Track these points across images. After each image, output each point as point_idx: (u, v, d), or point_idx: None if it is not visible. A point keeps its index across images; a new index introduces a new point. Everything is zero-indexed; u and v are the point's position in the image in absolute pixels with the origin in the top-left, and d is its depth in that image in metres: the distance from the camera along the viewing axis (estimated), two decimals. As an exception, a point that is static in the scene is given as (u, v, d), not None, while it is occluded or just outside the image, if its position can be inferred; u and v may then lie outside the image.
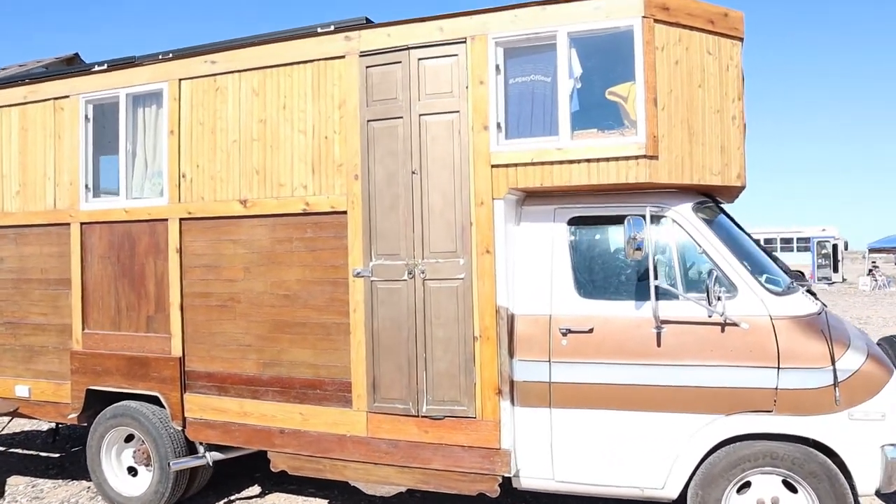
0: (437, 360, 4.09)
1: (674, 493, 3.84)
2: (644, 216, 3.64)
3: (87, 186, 4.95)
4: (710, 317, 3.72)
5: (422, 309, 4.11)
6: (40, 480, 5.52)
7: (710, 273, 3.66)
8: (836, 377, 3.55)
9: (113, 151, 4.95)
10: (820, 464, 3.59)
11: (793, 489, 3.68)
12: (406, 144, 4.14)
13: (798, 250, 30.23)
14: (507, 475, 4.00)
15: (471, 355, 4.02)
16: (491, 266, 3.98)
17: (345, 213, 4.27)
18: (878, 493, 3.64)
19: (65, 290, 4.99)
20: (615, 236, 4.05)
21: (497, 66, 4.00)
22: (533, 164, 3.92)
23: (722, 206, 4.59)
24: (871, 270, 30.49)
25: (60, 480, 5.46)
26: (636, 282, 3.94)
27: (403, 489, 4.32)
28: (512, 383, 4.03)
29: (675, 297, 3.77)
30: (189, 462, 4.66)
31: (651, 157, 3.77)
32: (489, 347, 3.98)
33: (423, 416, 4.11)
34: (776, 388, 3.62)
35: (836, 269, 30.24)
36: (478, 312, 4.00)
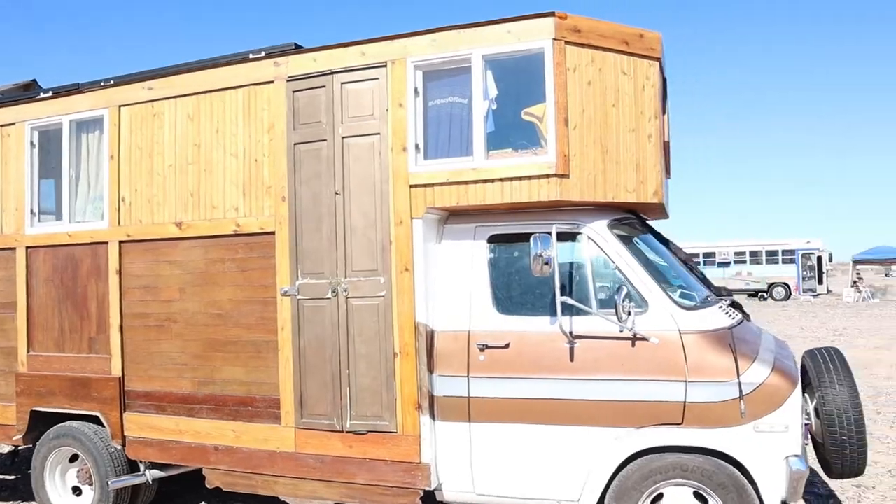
0: (360, 375, 4.16)
1: None
2: (550, 233, 3.71)
3: (32, 211, 5.08)
4: (621, 332, 3.78)
5: (345, 326, 4.19)
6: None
7: (619, 289, 3.73)
8: (741, 390, 3.60)
9: (58, 176, 5.08)
10: (728, 475, 3.63)
11: (704, 500, 3.72)
12: (330, 166, 4.25)
13: (783, 262, 30.23)
14: (427, 489, 4.05)
15: (391, 371, 4.09)
16: (410, 284, 4.06)
17: (273, 233, 4.37)
18: None
19: (10, 313, 5.10)
20: (518, 253, 4.13)
21: (416, 89, 4.11)
22: (449, 183, 4.02)
23: (647, 223, 4.68)
24: (854, 282, 30.44)
25: (10, 502, 5.52)
26: (551, 298, 4.01)
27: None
28: (432, 398, 4.09)
29: (588, 313, 3.84)
30: (129, 480, 4.72)
31: (562, 176, 3.86)
32: (409, 363, 4.05)
33: (347, 432, 4.18)
34: (684, 402, 3.68)
35: (820, 281, 30.23)
36: (397, 329, 4.08)
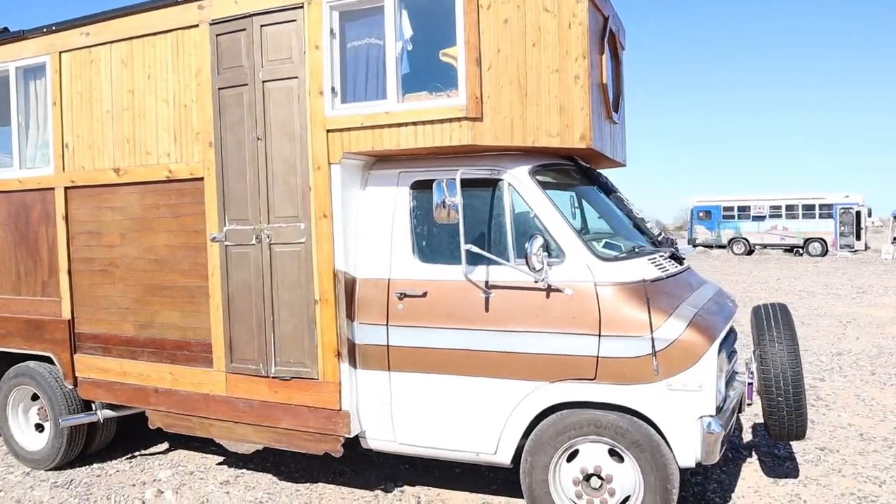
0: (283, 322, 4.17)
1: (506, 459, 3.85)
2: (454, 180, 3.58)
3: (-15, 156, 5.19)
4: (535, 282, 3.67)
5: (269, 273, 4.19)
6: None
7: (532, 237, 3.59)
8: (654, 346, 3.47)
9: (8, 123, 5.15)
10: (643, 434, 3.54)
11: (620, 458, 3.64)
12: (251, 111, 4.18)
13: (820, 217, 28.99)
14: (347, 436, 4.08)
15: (312, 318, 4.08)
16: (328, 230, 4.01)
17: (202, 179, 4.36)
18: (699, 466, 3.56)
19: (-27, 256, 5.26)
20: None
21: (332, 31, 3.98)
22: (364, 127, 3.91)
23: (591, 171, 4.49)
24: (895, 238, 29.00)
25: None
26: (473, 245, 3.90)
27: (260, 447, 4.47)
28: (354, 346, 4.08)
29: (496, 262, 3.73)
30: (80, 418, 4.90)
31: (473, 119, 3.71)
32: (328, 311, 4.04)
33: (272, 377, 4.22)
34: (597, 357, 3.57)
35: (858, 237, 28.90)
36: (317, 276, 4.05)
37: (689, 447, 3.48)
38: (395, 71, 3.85)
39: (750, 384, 4.18)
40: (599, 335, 3.57)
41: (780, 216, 29.96)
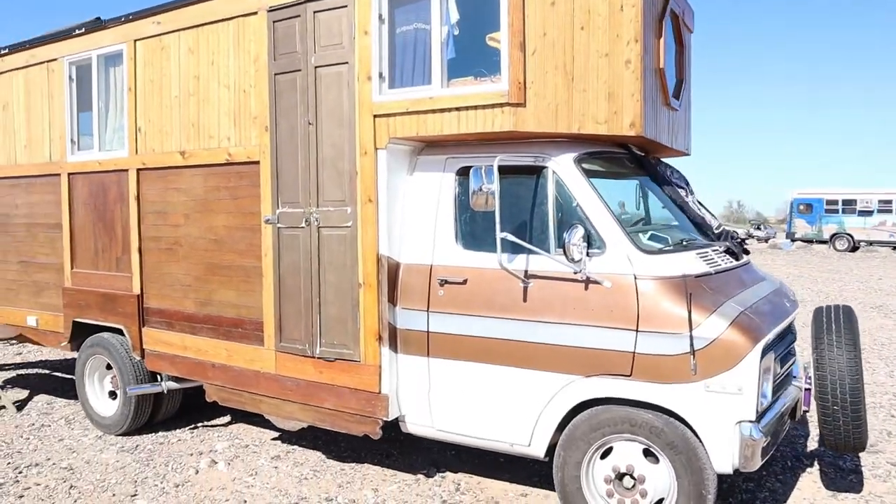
0: (328, 304, 4.26)
1: (540, 452, 3.79)
2: (492, 166, 3.53)
3: (72, 140, 5.53)
4: (574, 273, 3.58)
5: (316, 255, 4.28)
6: (57, 399, 6.35)
7: (571, 227, 3.50)
8: (692, 344, 3.31)
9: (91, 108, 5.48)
10: (680, 435, 3.40)
11: (656, 459, 3.51)
12: (304, 96, 4.27)
13: None
14: (385, 419, 4.12)
15: (356, 301, 4.14)
16: (373, 215, 4.05)
17: (258, 163, 4.50)
18: (737, 473, 3.39)
19: (59, 233, 5.64)
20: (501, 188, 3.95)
21: (381, 16, 3.99)
22: (408, 113, 3.92)
23: (646, 159, 4.33)
24: None
25: (73, 400, 6.23)
26: (513, 234, 3.84)
27: (305, 425, 4.58)
28: (395, 331, 4.11)
29: (533, 251, 3.66)
30: (145, 388, 5.19)
31: (516, 105, 3.65)
32: (371, 294, 4.08)
33: (317, 358, 4.31)
34: (634, 352, 3.45)
35: None
36: (361, 260, 4.10)
37: (725, 452, 3.31)
38: (439, 56, 3.84)
39: (808, 390, 3.94)
40: (637, 330, 3.44)
41: (889, 211, 27.96)
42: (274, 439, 5.30)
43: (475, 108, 3.73)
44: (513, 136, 3.86)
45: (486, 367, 3.86)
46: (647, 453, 3.54)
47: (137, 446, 5.15)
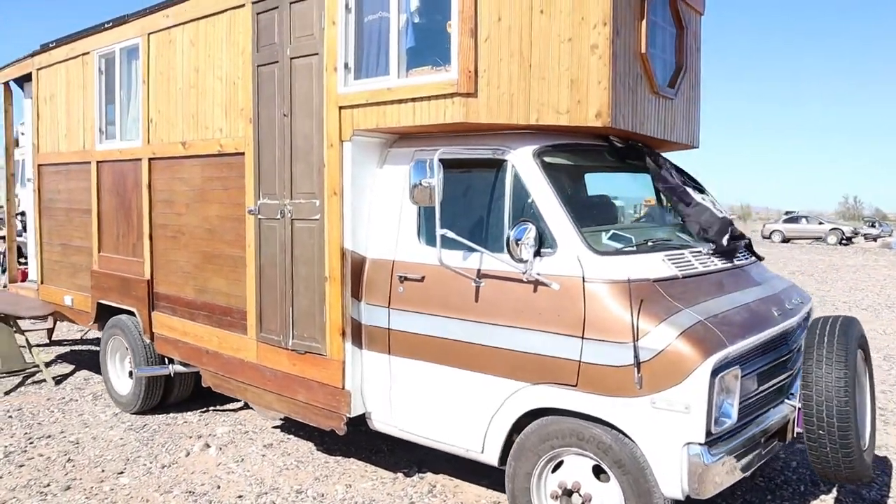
0: (300, 296, 4.24)
1: (492, 460, 3.61)
2: (428, 160, 3.36)
3: (100, 130, 5.81)
4: (522, 274, 3.37)
5: (290, 247, 4.27)
6: (95, 376, 6.72)
7: (518, 225, 3.29)
8: (637, 355, 3.03)
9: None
10: (628, 453, 3.13)
11: (608, 477, 3.26)
12: (281, 87, 4.26)
13: None
14: (348, 415, 4.06)
15: (322, 295, 4.10)
16: (338, 208, 3.99)
17: (244, 154, 4.54)
18: (687, 500, 3.08)
19: (89, 218, 5.96)
20: (458, 182, 3.79)
21: (347, 5, 3.91)
22: (369, 104, 3.82)
23: (631, 151, 4.01)
24: None
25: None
26: (469, 230, 3.67)
27: (282, 416, 4.60)
28: (360, 326, 4.04)
29: (473, 249, 3.48)
30: (153, 370, 5.39)
31: (466, 95, 3.46)
32: (335, 289, 4.03)
33: (290, 350, 4.32)
34: (579, 361, 3.21)
35: None
36: (328, 254, 4.05)
37: (672, 476, 3.01)
38: (397, 45, 3.71)
39: (801, 409, 3.52)
40: (583, 338, 3.19)
41: None
42: (274, 427, 5.37)
43: (428, 98, 3.58)
44: (469, 128, 3.68)
45: (441, 369, 3.71)
46: (600, 470, 3.29)
47: (145, 425, 5.38)
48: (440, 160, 3.37)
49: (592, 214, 3.74)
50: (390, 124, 3.77)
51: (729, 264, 3.75)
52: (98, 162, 5.82)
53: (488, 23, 3.44)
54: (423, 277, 3.77)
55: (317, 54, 4.05)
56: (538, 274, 3.31)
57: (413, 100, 3.64)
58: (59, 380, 6.54)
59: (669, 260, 3.43)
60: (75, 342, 8.29)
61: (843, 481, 3.42)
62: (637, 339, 3.03)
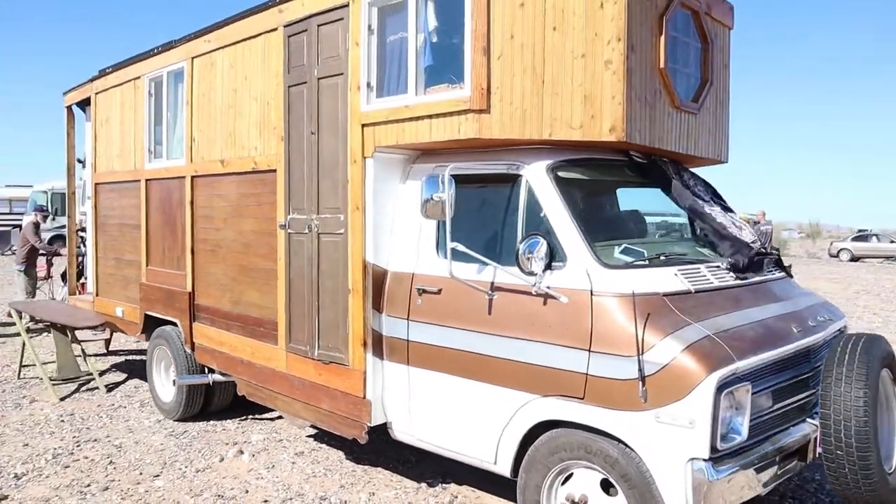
0: (326, 308, 4.37)
1: (505, 471, 3.64)
2: (441, 175, 3.44)
3: (149, 150, 6.13)
4: (532, 287, 3.41)
5: (316, 260, 4.41)
6: (144, 384, 7.01)
7: (527, 238, 3.34)
8: (641, 369, 3.03)
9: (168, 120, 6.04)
10: (635, 468, 3.11)
11: (617, 491, 3.25)
12: (309, 107, 4.43)
13: None
14: (369, 424, 4.15)
15: (346, 307, 4.22)
16: (360, 223, 4.11)
17: (275, 171, 4.72)
18: None
19: (139, 233, 6.27)
20: (474, 197, 3.86)
21: (370, 27, 4.05)
22: (388, 122, 3.94)
23: (651, 167, 4.00)
24: None
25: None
26: (484, 244, 3.74)
27: (309, 425, 4.72)
28: (381, 338, 4.14)
29: (485, 263, 3.53)
30: (193, 379, 5.60)
31: (479, 111, 3.54)
32: (358, 301, 4.14)
33: (316, 360, 4.45)
34: (586, 374, 3.22)
35: None
36: (351, 266, 4.17)
37: (677, 492, 2.98)
38: (415, 64, 3.82)
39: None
40: (590, 350, 3.20)
41: None
42: (308, 437, 5.51)
43: (443, 115, 3.68)
44: (485, 144, 3.76)
45: (456, 380, 3.77)
46: (609, 484, 3.28)
47: (185, 432, 5.59)
48: (454, 175, 3.46)
49: (608, 228, 3.76)
50: (409, 141, 3.88)
51: (750, 279, 3.69)
52: (147, 180, 6.13)
53: (501, 41, 3.52)
54: (441, 290, 3.84)
55: (342, 74, 4.20)
56: (548, 287, 3.35)
57: (429, 117, 3.74)
58: (110, 387, 6.85)
59: (682, 274, 3.41)
60: (130, 352, 8.67)
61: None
62: (642, 353, 3.03)
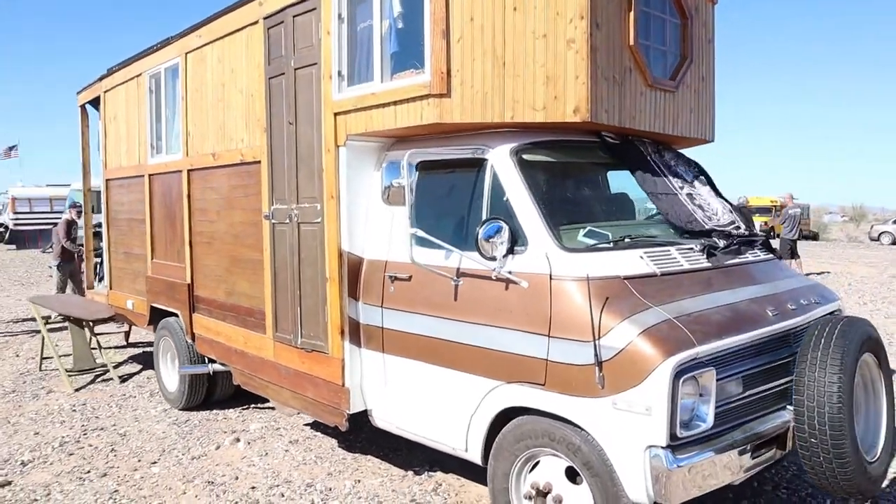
0: (306, 297, 4.40)
1: (476, 458, 3.62)
2: (401, 161, 3.42)
3: (151, 145, 6.24)
4: (493, 272, 3.36)
5: (297, 250, 4.44)
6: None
7: (487, 222, 3.30)
8: (598, 354, 2.97)
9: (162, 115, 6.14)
10: (597, 455, 3.05)
11: (581, 479, 3.20)
12: (287, 97, 4.45)
13: None
14: (348, 411, 4.17)
15: (324, 296, 4.24)
16: (336, 211, 4.12)
17: (260, 162, 4.76)
18: None
19: (144, 227, 6.40)
20: (444, 182, 3.83)
21: (340, 15, 4.05)
22: (357, 110, 3.93)
23: (624, 147, 3.90)
24: None
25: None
26: (452, 230, 3.71)
27: (297, 412, 4.77)
28: (358, 326, 4.15)
29: (441, 247, 3.50)
30: (194, 369, 5.71)
31: (440, 96, 3.51)
32: (335, 289, 4.16)
33: (300, 348, 4.48)
34: (546, 360, 3.17)
35: None
36: (328, 255, 4.19)
37: (637, 480, 2.91)
38: (380, 50, 3.80)
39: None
40: (549, 336, 3.15)
41: None
42: (305, 425, 5.56)
43: (406, 101, 3.66)
44: (452, 129, 3.72)
45: (427, 367, 3.76)
46: (576, 472, 3.23)
47: (188, 420, 5.71)
48: (425, 161, 3.44)
49: (577, 212, 3.69)
50: (377, 128, 3.86)
51: (726, 262, 3.58)
52: (150, 175, 6.25)
53: (461, 23, 3.48)
54: (411, 277, 3.83)
55: (315, 64, 4.21)
56: (509, 272, 3.31)
57: (395, 103, 3.72)
58: (124, 378, 7.04)
59: (649, 257, 3.33)
60: (147, 344, 8.87)
61: (843, 494, 3.20)
62: (598, 338, 2.97)
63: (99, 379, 7.02)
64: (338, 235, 4.12)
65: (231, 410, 5.95)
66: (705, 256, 3.53)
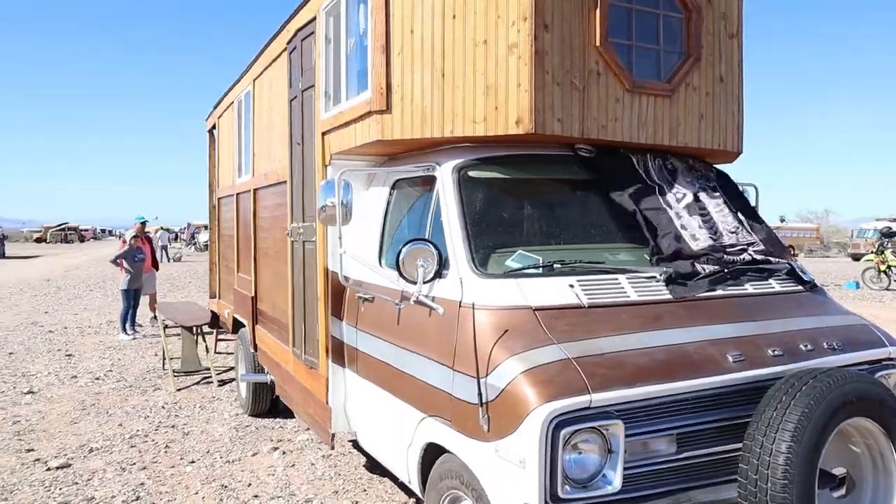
0: (309, 314, 4.46)
1: (420, 491, 3.41)
2: (335, 180, 3.32)
3: (238, 167, 6.73)
4: (413, 296, 3.16)
5: (302, 267, 4.53)
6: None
7: (407, 243, 3.10)
8: (480, 392, 2.67)
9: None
10: None
11: None
12: (298, 118, 4.57)
13: None
14: (330, 431, 4.14)
15: (317, 314, 4.27)
16: (323, 230, 4.13)
17: (286, 182, 4.93)
18: None
19: (234, 243, 6.91)
20: (405, 201, 3.68)
21: (326, 37, 4.08)
22: (334, 129, 3.93)
23: (601, 160, 3.48)
24: None
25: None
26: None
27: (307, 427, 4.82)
28: (343, 346, 4.11)
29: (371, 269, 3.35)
30: (254, 377, 6.01)
31: (381, 112, 3.39)
32: (322, 308, 4.17)
33: (304, 364, 4.55)
34: (451, 394, 2.92)
35: None
36: (319, 274, 4.22)
37: None
38: (344, 69, 3.77)
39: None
40: (453, 368, 2.89)
41: None
42: (350, 441, 5.62)
43: (357, 119, 3.59)
44: (406, 147, 3.59)
45: (381, 392, 3.63)
46: None
47: (248, 426, 6.03)
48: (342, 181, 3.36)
49: (519, 233, 3.32)
50: (345, 146, 3.84)
51: (703, 293, 3.04)
52: (237, 194, 6.75)
53: (401, 36, 3.34)
54: (374, 298, 3.73)
55: (313, 85, 4.28)
56: (429, 297, 3.09)
57: (354, 121, 3.67)
58: (223, 382, 7.62)
59: (581, 286, 2.92)
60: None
61: None
62: (487, 374, 2.66)
63: (203, 381, 7.67)
64: (325, 255, 4.13)
65: (292, 420, 6.18)
66: (665, 286, 3.02)
